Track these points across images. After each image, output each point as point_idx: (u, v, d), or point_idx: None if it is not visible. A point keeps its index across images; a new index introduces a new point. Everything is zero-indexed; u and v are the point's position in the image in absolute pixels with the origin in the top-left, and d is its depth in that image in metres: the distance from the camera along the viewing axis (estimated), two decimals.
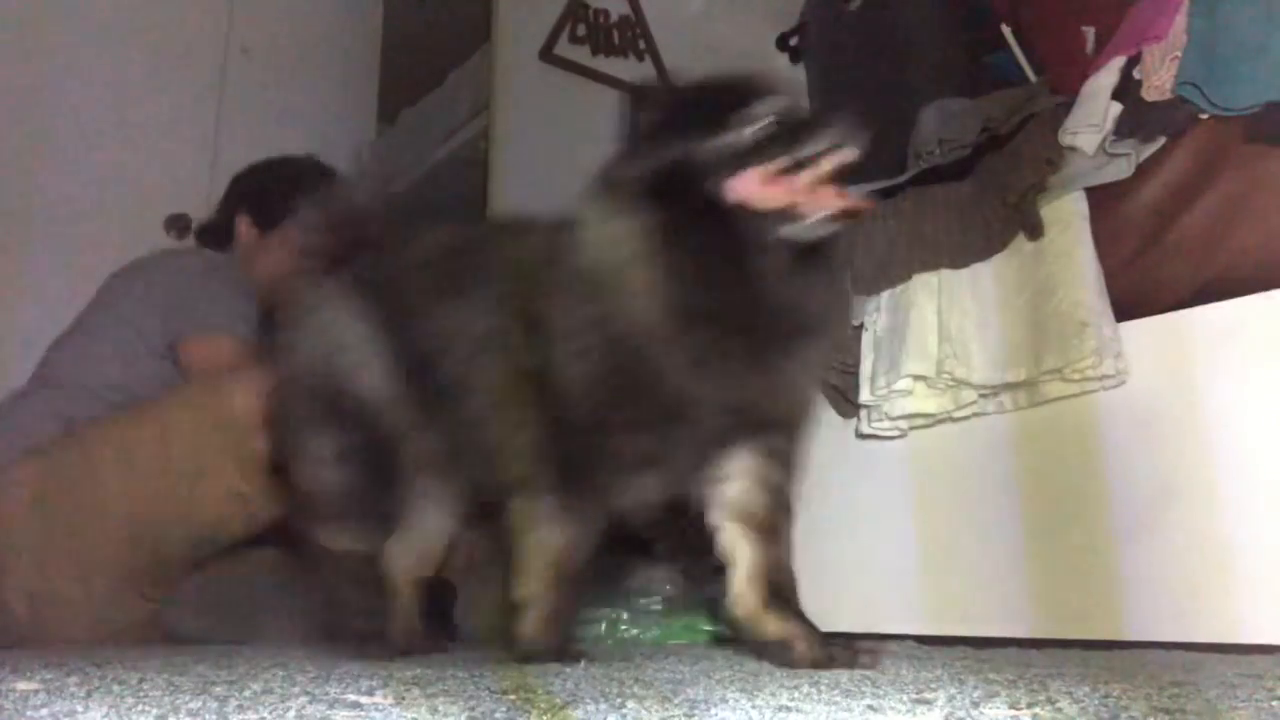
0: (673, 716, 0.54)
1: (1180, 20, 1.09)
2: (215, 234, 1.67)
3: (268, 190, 1.65)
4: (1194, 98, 1.05)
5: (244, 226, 1.64)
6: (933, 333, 1.18)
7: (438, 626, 1.23)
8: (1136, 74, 1.13)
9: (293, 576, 1.27)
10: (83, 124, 1.81)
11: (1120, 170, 1.11)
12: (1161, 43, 1.10)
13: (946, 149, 1.32)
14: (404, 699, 0.60)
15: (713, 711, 0.56)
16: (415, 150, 2.55)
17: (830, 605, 1.33)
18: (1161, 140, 1.09)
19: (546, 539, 0.87)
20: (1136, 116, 1.10)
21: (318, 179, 1.66)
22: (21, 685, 0.63)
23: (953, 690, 0.64)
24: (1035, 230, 1.13)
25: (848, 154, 0.77)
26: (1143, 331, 1.07)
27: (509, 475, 0.88)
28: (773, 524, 0.87)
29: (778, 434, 0.87)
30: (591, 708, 0.57)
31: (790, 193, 0.76)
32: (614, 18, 2.31)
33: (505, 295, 0.90)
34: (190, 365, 1.45)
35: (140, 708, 0.55)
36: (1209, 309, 1.02)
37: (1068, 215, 1.12)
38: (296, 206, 1.62)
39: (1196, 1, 1.08)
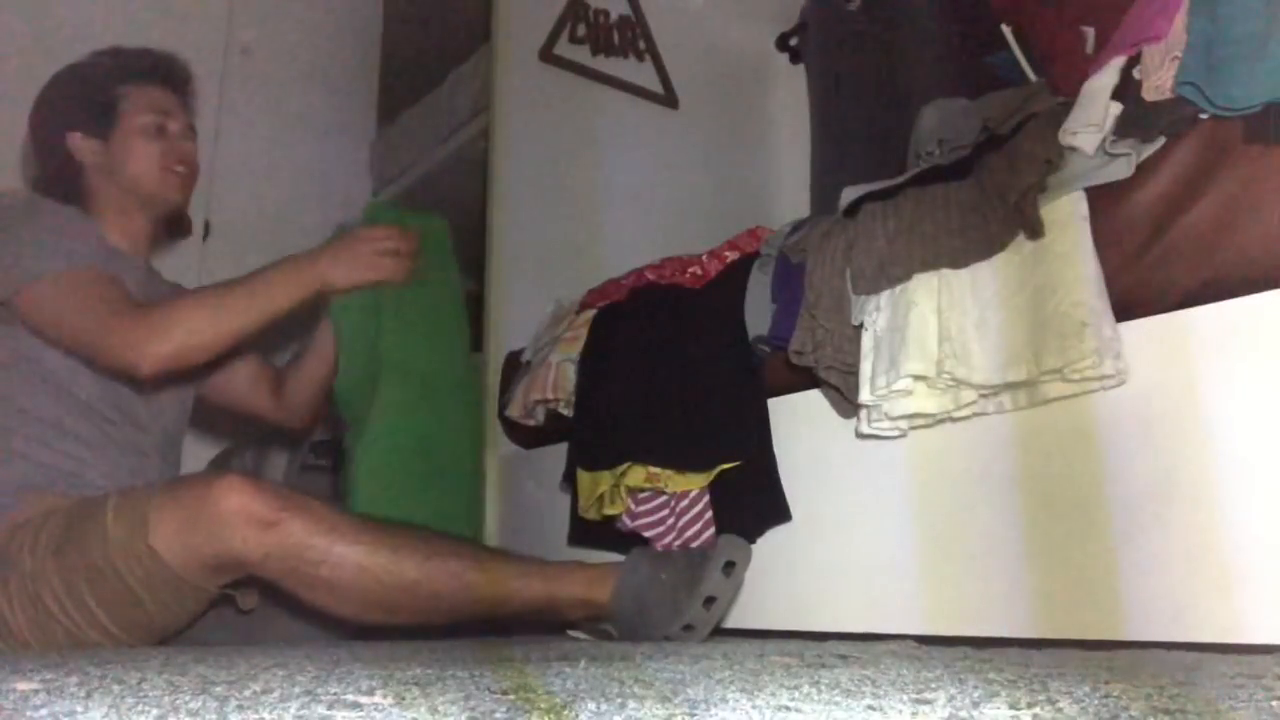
0: (673, 716, 0.54)
1: (1180, 20, 1.08)
2: (56, 174, 1.56)
3: (86, 92, 1.56)
4: (1194, 98, 1.05)
5: (79, 143, 1.54)
6: (933, 333, 1.18)
7: None
8: (1136, 74, 1.12)
9: None
10: None
11: (1120, 170, 1.10)
12: (1161, 43, 1.10)
13: (946, 149, 1.32)
14: (404, 699, 0.60)
15: (713, 711, 0.56)
16: (415, 150, 2.55)
17: (830, 605, 1.33)
18: (1161, 140, 1.08)
19: None
20: (1136, 116, 1.10)
21: (117, 59, 1.58)
22: (21, 685, 0.63)
23: (953, 690, 0.64)
24: (1035, 230, 1.12)
25: None
26: (1143, 331, 1.07)
27: None
28: None
29: None
30: (591, 707, 0.57)
31: None
32: (614, 18, 2.31)
33: None
34: (30, 316, 1.39)
35: (140, 708, 0.55)
36: (1209, 309, 1.02)
37: (1068, 215, 1.12)
38: (122, 93, 1.59)
39: (1196, 1, 1.08)
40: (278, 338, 2.06)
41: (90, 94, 1.56)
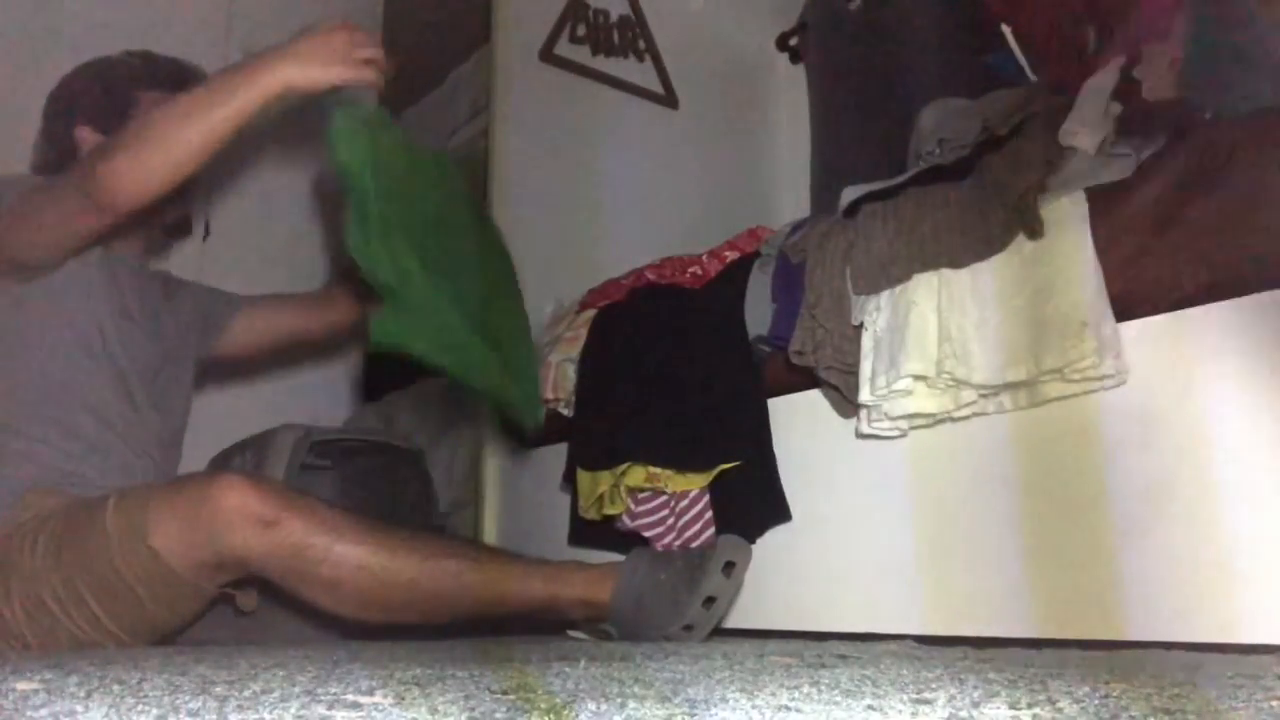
0: (673, 716, 0.54)
1: (1180, 20, 1.09)
2: (59, 163, 1.54)
3: (103, 89, 1.56)
4: (1194, 98, 1.05)
5: (87, 136, 1.54)
6: (933, 333, 1.18)
7: None
8: (1136, 74, 1.13)
9: None
10: None
11: (1121, 170, 1.11)
12: (1161, 43, 1.10)
13: (946, 149, 1.32)
14: (404, 699, 0.60)
15: (713, 711, 0.56)
16: None
17: (830, 605, 1.33)
18: (1162, 140, 1.08)
19: None
20: (1136, 116, 1.10)
21: (144, 63, 1.58)
22: (21, 685, 0.63)
23: (953, 690, 0.64)
24: (1035, 230, 1.12)
25: None
26: (1143, 331, 1.07)
27: None
28: None
29: None
30: (591, 707, 0.57)
31: None
32: (614, 18, 2.31)
33: None
34: (6, 245, 1.38)
35: (140, 708, 0.55)
36: (1209, 309, 1.02)
37: (1068, 215, 1.12)
38: (137, 97, 1.58)
39: (1197, 2, 1.08)
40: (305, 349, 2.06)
41: (108, 92, 1.56)
